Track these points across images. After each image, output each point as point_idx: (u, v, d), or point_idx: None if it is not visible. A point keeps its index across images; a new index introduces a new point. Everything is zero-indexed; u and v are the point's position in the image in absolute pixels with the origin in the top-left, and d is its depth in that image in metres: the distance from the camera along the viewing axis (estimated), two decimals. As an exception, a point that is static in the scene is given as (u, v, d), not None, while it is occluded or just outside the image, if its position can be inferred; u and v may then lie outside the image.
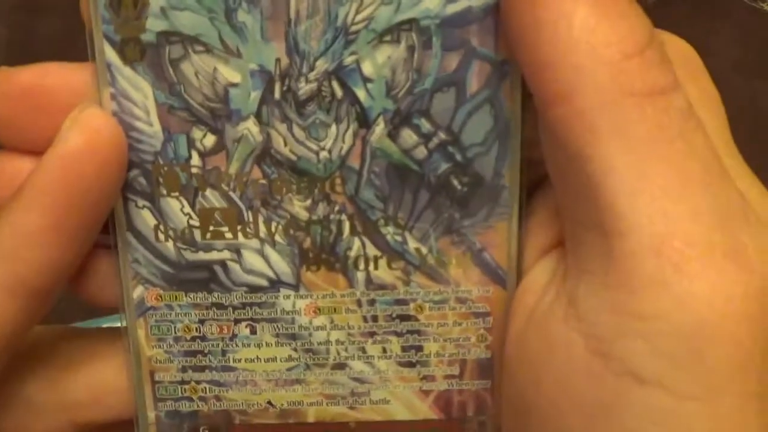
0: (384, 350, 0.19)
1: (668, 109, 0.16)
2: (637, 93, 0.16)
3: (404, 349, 0.19)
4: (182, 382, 0.20)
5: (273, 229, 0.18)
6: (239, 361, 0.19)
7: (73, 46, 0.72)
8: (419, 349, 0.19)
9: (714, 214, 0.16)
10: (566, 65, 0.15)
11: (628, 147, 0.15)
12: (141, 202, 0.18)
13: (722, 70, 0.62)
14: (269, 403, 0.20)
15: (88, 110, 0.18)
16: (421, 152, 0.18)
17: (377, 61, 0.17)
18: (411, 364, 0.19)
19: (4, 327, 0.18)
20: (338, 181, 0.18)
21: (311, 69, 0.17)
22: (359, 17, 0.17)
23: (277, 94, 0.17)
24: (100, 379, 0.21)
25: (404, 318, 0.19)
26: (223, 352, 0.19)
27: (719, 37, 0.62)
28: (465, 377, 0.19)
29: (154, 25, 0.17)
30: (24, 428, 0.21)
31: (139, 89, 0.18)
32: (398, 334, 0.19)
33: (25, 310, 0.18)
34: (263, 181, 0.18)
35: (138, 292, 0.19)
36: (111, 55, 0.17)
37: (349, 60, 0.17)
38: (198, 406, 0.20)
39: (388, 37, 0.17)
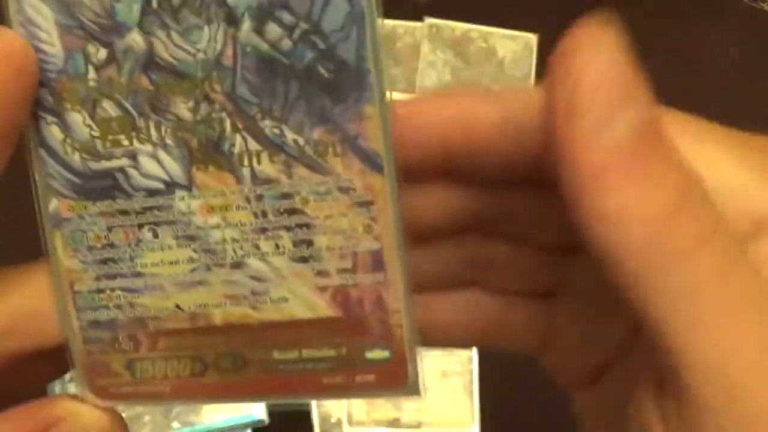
0: (277, 246, 0.20)
1: (714, 252, 0.17)
2: (684, 249, 0.17)
3: (295, 244, 0.20)
4: (98, 291, 0.20)
5: (163, 133, 0.19)
6: (146, 266, 0.20)
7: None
8: (310, 243, 0.20)
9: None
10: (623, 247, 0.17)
11: (685, 298, 0.17)
12: (50, 119, 0.20)
13: (722, 70, 0.62)
14: (177, 306, 0.20)
15: (1, 30, 0.19)
16: (286, 44, 0.19)
17: (205, 38, 0.19)
18: (304, 260, 0.20)
19: None
20: (216, 80, 0.19)
21: None
22: None
23: (154, 4, 0.19)
24: (19, 305, 0.21)
25: (292, 212, 0.19)
26: (131, 258, 0.20)
27: (719, 37, 0.62)
28: (358, 271, 0.20)
29: None
30: None
31: (42, 14, 0.19)
32: (288, 229, 0.20)
33: None
34: (150, 87, 0.19)
35: (53, 204, 0.20)
36: None
37: None
38: (114, 314, 0.21)
39: None
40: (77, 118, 0.20)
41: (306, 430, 0.52)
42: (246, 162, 0.19)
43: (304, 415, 0.53)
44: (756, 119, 0.66)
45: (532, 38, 0.61)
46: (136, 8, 0.19)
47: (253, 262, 0.20)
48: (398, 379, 0.20)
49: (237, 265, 0.20)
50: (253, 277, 0.20)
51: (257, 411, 0.52)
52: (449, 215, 0.21)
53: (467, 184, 0.20)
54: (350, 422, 0.52)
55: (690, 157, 0.18)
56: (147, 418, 0.52)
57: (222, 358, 0.20)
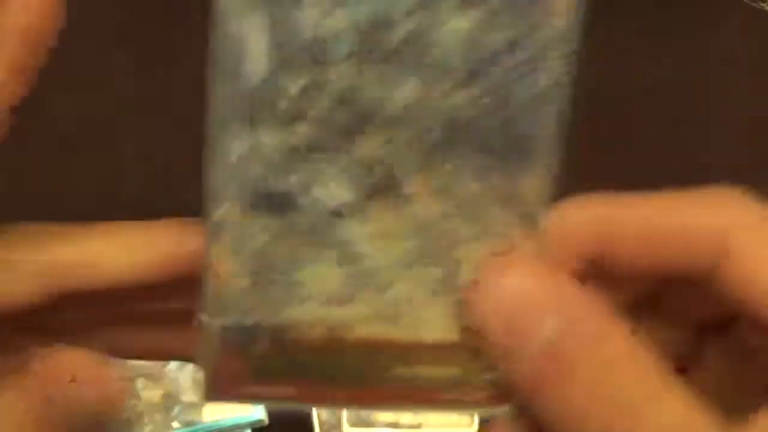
0: (425, 276, 0.21)
1: None
2: None
3: (442, 276, 0.21)
4: (248, 296, 0.22)
5: (347, 162, 0.21)
6: (300, 280, 0.21)
7: (71, 49, 0.72)
8: (455, 279, 0.21)
9: None
10: None
11: None
12: (238, 128, 0.21)
13: (722, 70, 0.62)
14: (322, 320, 0.22)
15: None
16: (476, 109, 0.20)
17: (455, 27, 0.20)
18: (446, 293, 0.21)
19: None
20: (406, 124, 0.21)
21: (399, 27, 0.20)
22: None
23: (368, 46, 0.20)
24: (94, 246, 0.22)
25: (446, 250, 0.21)
26: (288, 272, 0.21)
27: (719, 37, 0.62)
28: None
29: None
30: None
31: (256, 32, 0.20)
32: (438, 265, 0.21)
33: None
34: (344, 119, 0.21)
35: (224, 208, 0.21)
36: None
37: (431, 23, 0.20)
38: (259, 320, 0.22)
39: (467, 6, 0.20)
40: (268, 135, 0.20)
41: (306, 430, 0.52)
42: (415, 201, 0.21)
43: (304, 416, 0.53)
44: (756, 119, 0.66)
45: (532, 38, 0.61)
46: (349, 45, 0.20)
47: (401, 287, 0.21)
48: (504, 399, 0.21)
49: (384, 288, 0.21)
50: (397, 300, 0.22)
51: (257, 411, 0.52)
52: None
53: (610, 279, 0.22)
54: (350, 422, 0.51)
55: None
56: (147, 418, 0.52)
57: (351, 369, 0.22)
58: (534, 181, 0.21)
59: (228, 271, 0.21)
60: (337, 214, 0.21)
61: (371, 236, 0.21)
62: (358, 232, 0.21)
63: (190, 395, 0.53)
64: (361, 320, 0.22)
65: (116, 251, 0.22)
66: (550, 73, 0.20)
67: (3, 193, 0.56)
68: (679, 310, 0.23)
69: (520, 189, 0.21)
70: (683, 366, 0.23)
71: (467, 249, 0.21)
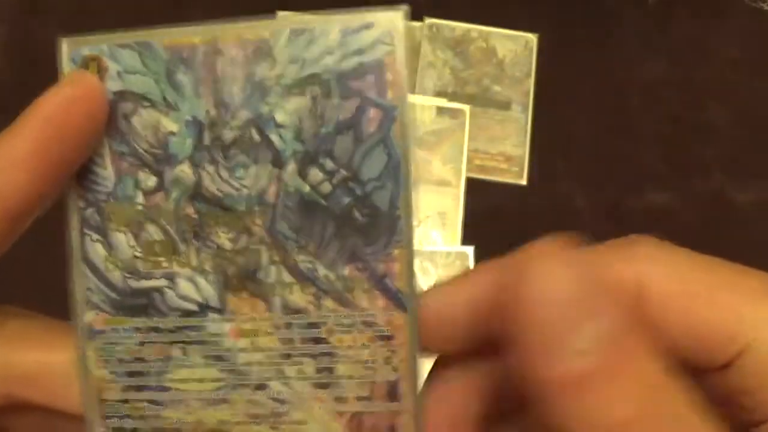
0: (300, 371, 0.21)
1: None
2: None
3: (318, 370, 0.21)
4: (125, 402, 0.22)
5: (202, 259, 0.21)
6: (173, 381, 0.21)
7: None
8: (331, 371, 0.21)
9: None
10: None
11: None
12: (95, 236, 0.21)
13: (722, 70, 0.62)
14: (199, 421, 0.21)
15: (85, 72, 0.21)
16: (326, 188, 0.20)
17: (288, 110, 0.20)
18: (324, 386, 0.21)
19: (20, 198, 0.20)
20: (257, 215, 0.21)
21: (234, 118, 0.21)
22: (271, 74, 0.20)
23: (206, 140, 0.21)
24: (52, 360, 0.22)
25: (317, 341, 0.21)
26: (160, 373, 0.21)
27: (719, 37, 0.62)
28: (375, 399, 0.21)
29: (111, 86, 0.21)
30: None
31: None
32: (312, 356, 0.21)
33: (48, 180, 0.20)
34: (195, 216, 0.21)
35: (89, 317, 0.22)
36: None
37: (264, 110, 0.20)
38: (138, 424, 0.22)
39: (296, 90, 0.20)
40: (122, 239, 0.21)
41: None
42: (278, 292, 0.21)
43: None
44: (756, 119, 0.66)
45: (532, 38, 0.61)
46: (189, 143, 0.21)
47: (276, 385, 0.21)
48: None
49: (261, 387, 0.21)
50: (275, 399, 0.21)
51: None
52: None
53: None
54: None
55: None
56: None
57: None
58: (400, 255, 0.20)
59: (101, 376, 0.22)
60: (199, 312, 0.21)
61: (237, 333, 0.21)
62: (222, 329, 0.21)
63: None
64: (240, 422, 0.21)
65: (71, 372, 0.22)
66: (390, 148, 0.20)
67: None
68: None
69: (387, 266, 0.20)
70: None
71: (340, 340, 0.21)
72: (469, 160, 0.58)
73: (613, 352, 0.17)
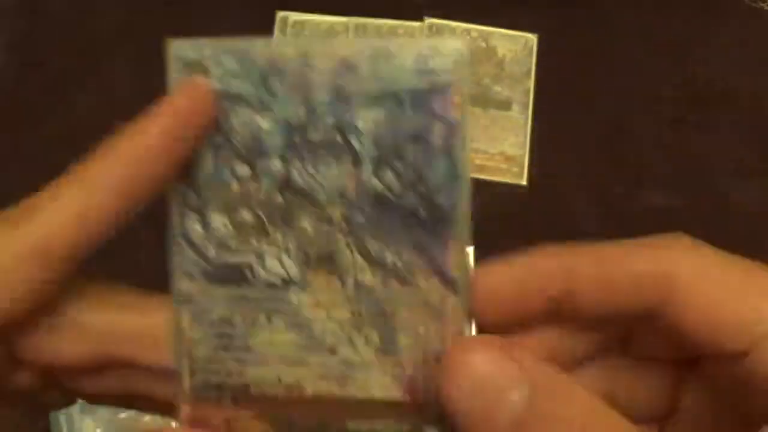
0: (366, 340, 0.25)
1: None
2: None
3: (382, 340, 0.25)
4: (213, 360, 0.25)
5: (287, 241, 0.25)
6: (257, 343, 0.25)
7: (72, 50, 0.71)
8: (393, 341, 0.25)
9: None
10: None
11: None
12: (194, 216, 0.25)
13: (722, 70, 0.62)
14: (278, 378, 0.25)
15: (195, 81, 0.25)
16: (396, 187, 0.24)
17: (367, 119, 0.24)
18: (387, 352, 0.25)
19: (104, 223, 0.24)
20: (337, 206, 0.25)
21: (320, 122, 0.24)
22: (355, 87, 0.24)
23: (296, 139, 0.25)
24: (147, 323, 0.26)
25: (382, 315, 0.25)
26: (245, 336, 0.25)
27: (719, 37, 0.62)
28: (427, 365, 0.25)
29: (212, 86, 0.25)
30: (59, 350, 0.25)
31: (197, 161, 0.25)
32: (377, 328, 0.25)
33: (121, 213, 0.24)
34: (282, 203, 0.25)
35: (185, 284, 0.25)
36: None
37: (347, 117, 0.24)
38: (224, 379, 0.25)
39: (375, 102, 0.24)
40: (218, 219, 0.25)
41: (306, 430, 0.52)
42: (351, 272, 0.25)
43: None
44: (756, 119, 0.66)
45: (532, 38, 0.61)
46: (280, 140, 0.25)
47: (346, 351, 0.25)
48: None
49: (332, 351, 0.25)
50: (344, 362, 0.25)
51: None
52: (567, 352, 0.25)
53: (575, 324, 0.25)
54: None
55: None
56: (147, 418, 0.52)
57: (307, 423, 0.25)
58: (456, 247, 0.25)
59: (193, 337, 0.25)
60: (282, 286, 0.25)
61: (314, 305, 0.25)
62: (302, 301, 0.25)
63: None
64: (313, 380, 0.25)
65: (164, 335, 0.26)
66: (452, 158, 0.24)
67: (3, 194, 0.56)
68: (647, 352, 0.26)
69: (445, 255, 0.25)
70: (663, 413, 0.26)
71: (401, 315, 0.25)
72: (469, 160, 0.58)
73: (539, 401, 0.21)
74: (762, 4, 0.63)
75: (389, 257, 0.25)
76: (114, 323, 0.25)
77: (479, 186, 0.58)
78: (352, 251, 0.25)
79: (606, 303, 0.24)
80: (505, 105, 0.60)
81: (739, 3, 0.63)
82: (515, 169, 0.58)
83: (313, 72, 0.24)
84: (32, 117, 0.58)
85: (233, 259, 0.25)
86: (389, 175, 0.24)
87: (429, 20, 0.61)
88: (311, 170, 0.25)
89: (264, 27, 0.61)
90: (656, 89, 0.61)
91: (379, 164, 0.24)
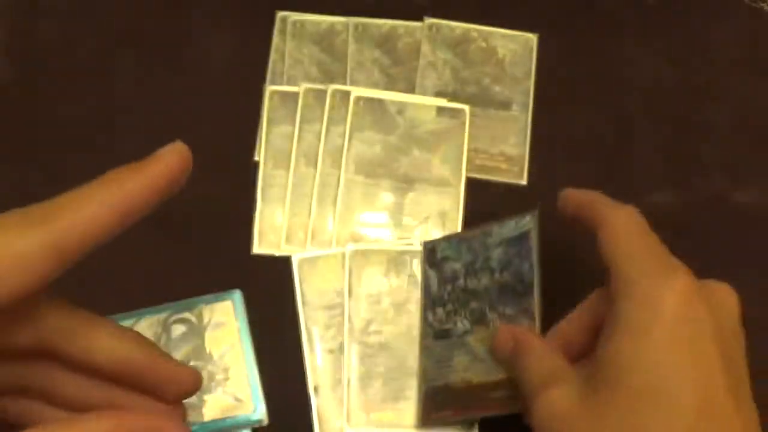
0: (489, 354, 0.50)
1: None
2: None
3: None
4: (435, 375, 0.54)
5: (465, 313, 0.51)
6: (454, 363, 0.51)
7: (72, 50, 0.71)
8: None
9: None
10: None
11: None
12: (429, 311, 0.55)
13: (722, 70, 0.62)
14: (462, 379, 0.51)
15: (180, 144, 0.35)
16: (505, 277, 0.49)
17: (495, 254, 0.50)
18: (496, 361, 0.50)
19: (101, 234, 0.32)
20: (486, 296, 0.50)
21: (479, 260, 0.51)
22: (491, 242, 0.51)
23: (469, 269, 0.51)
24: (90, 208, 0.32)
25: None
26: (450, 360, 0.52)
27: (719, 37, 0.62)
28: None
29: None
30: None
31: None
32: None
33: (117, 225, 0.33)
34: (463, 297, 0.51)
35: (425, 342, 0.54)
36: None
37: (489, 255, 0.50)
38: (439, 382, 0.53)
39: (499, 245, 0.50)
40: (440, 311, 0.52)
41: (306, 430, 0.52)
42: (491, 324, 0.49)
43: (304, 416, 0.53)
44: (756, 119, 0.65)
45: (532, 38, 0.61)
46: (461, 267, 0.52)
47: (489, 361, 0.49)
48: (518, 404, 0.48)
49: (482, 361, 0.49)
50: (489, 366, 0.49)
51: (257, 411, 0.52)
52: None
53: None
54: (349, 422, 0.52)
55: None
56: None
57: (477, 397, 0.49)
58: (531, 305, 0.47)
59: (426, 366, 0.52)
60: (463, 334, 0.50)
61: (477, 341, 0.50)
62: (472, 340, 0.50)
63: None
64: (479, 376, 0.49)
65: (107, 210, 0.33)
66: (531, 262, 0.48)
67: (4, 194, 0.56)
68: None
69: (530, 306, 0.47)
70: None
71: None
72: (469, 160, 0.58)
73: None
74: (762, 4, 0.63)
75: (507, 311, 0.48)
76: (62, 220, 0.31)
77: (479, 186, 0.58)
78: (492, 317, 0.49)
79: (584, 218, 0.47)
80: (505, 105, 0.60)
81: (739, 3, 0.63)
82: (515, 169, 0.58)
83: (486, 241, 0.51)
84: (32, 117, 0.58)
85: (444, 326, 0.51)
86: (505, 274, 0.49)
87: (429, 20, 0.61)
88: (474, 280, 0.51)
89: (264, 27, 0.61)
90: (656, 89, 0.61)
91: (501, 271, 0.49)
